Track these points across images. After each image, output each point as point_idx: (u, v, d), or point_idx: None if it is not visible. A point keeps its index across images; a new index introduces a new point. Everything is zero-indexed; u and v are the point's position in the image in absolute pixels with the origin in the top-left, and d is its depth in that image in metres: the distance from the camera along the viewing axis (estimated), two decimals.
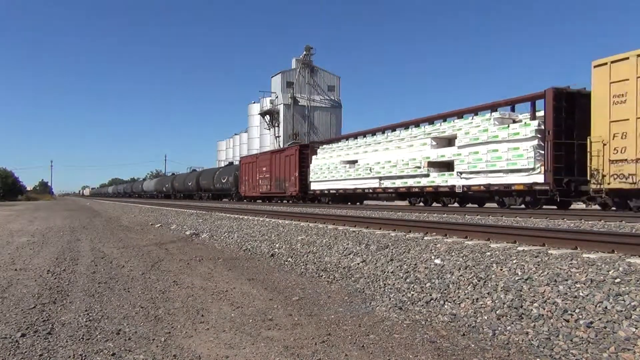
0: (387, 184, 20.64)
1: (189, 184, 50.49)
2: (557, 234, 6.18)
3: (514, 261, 4.97)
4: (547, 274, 4.41)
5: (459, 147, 16.98)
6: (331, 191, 24.80)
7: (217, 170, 44.87)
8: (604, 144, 12.58)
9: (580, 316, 3.68)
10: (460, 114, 18.20)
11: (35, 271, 6.86)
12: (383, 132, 22.44)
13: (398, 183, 20.02)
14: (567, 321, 3.70)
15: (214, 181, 43.17)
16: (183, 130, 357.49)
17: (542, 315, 3.89)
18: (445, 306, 4.63)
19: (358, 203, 24.94)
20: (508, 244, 5.98)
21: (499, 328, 3.99)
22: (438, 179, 17.93)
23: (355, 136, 24.98)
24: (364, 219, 10.51)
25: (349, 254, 6.99)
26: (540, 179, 14.00)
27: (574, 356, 3.39)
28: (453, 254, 5.74)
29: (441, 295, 4.84)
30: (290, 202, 28.85)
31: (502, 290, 4.43)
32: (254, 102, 62.64)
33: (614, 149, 12.39)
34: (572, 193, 13.86)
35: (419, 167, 18.64)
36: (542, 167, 13.96)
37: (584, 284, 4.04)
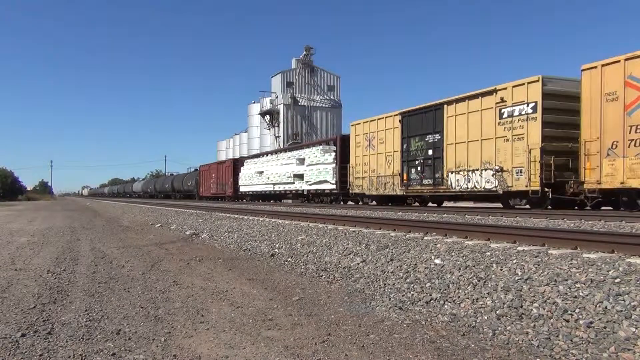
0: (276, 187, 31.73)
1: (166, 186, 61.53)
2: (557, 234, 6.18)
3: (514, 261, 4.97)
4: (547, 274, 4.41)
5: (307, 165, 27.76)
6: (250, 192, 36.22)
7: (185, 176, 56.46)
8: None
9: (580, 316, 3.68)
10: (308, 145, 30.32)
11: (35, 271, 6.86)
12: (276, 153, 34.29)
13: (281, 187, 31.07)
14: (567, 321, 3.70)
15: (182, 184, 54.27)
16: (183, 130, 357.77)
17: (542, 315, 3.89)
18: (445, 306, 4.63)
19: (271, 200, 33.79)
20: (508, 244, 5.98)
21: (499, 328, 3.99)
22: (297, 185, 28.87)
23: (265, 154, 36.94)
24: (364, 219, 10.51)
25: (349, 254, 6.99)
26: (334, 186, 24.92)
27: (574, 356, 3.39)
28: (453, 254, 5.74)
29: (441, 295, 4.84)
30: (227, 200, 40.25)
31: (502, 290, 4.43)
32: (254, 102, 62.62)
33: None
34: (366, 200, 23.67)
35: (290, 177, 29.57)
36: (337, 180, 24.56)
37: (584, 284, 4.04)
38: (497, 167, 15.30)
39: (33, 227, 15.27)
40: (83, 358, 3.43)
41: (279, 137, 55.54)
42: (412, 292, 5.12)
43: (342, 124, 58.74)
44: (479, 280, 4.78)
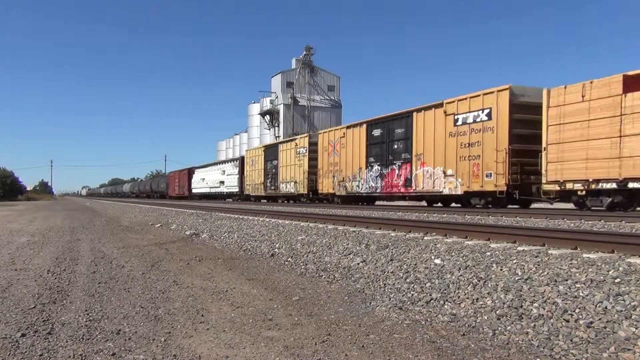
0: (211, 190, 45.08)
1: (147, 187, 75.89)
2: (557, 234, 6.18)
3: (514, 261, 4.97)
4: (547, 274, 4.41)
5: (226, 175, 41.21)
6: (198, 193, 49.32)
7: (160, 179, 73.19)
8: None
9: (580, 316, 3.68)
10: (227, 161, 44.56)
11: (36, 271, 6.86)
12: (211, 166, 47.01)
13: (214, 190, 44.27)
14: (567, 321, 3.70)
15: (158, 186, 68.14)
16: (183, 130, 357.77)
17: (542, 315, 3.89)
18: (445, 306, 4.63)
19: (213, 199, 44.13)
20: (508, 244, 5.98)
21: (499, 328, 3.99)
22: (221, 189, 41.93)
23: (205, 166, 48.97)
24: (364, 219, 10.51)
25: (349, 254, 6.99)
26: (238, 189, 37.76)
27: (574, 356, 3.39)
28: (453, 254, 5.74)
29: (441, 295, 4.84)
30: (181, 199, 50.55)
31: (502, 290, 4.43)
32: (254, 102, 62.65)
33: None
34: (252, 198, 34.73)
35: (217, 183, 42.72)
36: (239, 185, 37.21)
37: (584, 284, 4.04)
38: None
39: (33, 227, 15.28)
40: (83, 358, 3.43)
41: (278, 137, 55.51)
42: (412, 292, 5.12)
43: (343, 123, 58.76)
44: (479, 280, 4.78)
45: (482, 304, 4.39)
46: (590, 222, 9.32)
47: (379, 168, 20.56)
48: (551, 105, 13.15)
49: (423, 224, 8.65)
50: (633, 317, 3.45)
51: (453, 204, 18.57)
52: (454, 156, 16.50)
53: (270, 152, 31.62)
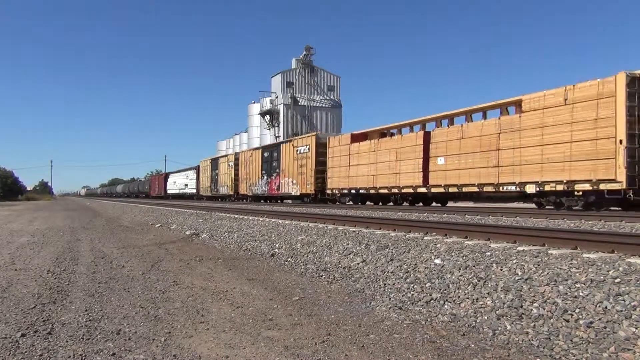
0: (179, 191, 55.44)
1: (135, 188, 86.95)
2: (557, 234, 6.18)
3: (514, 261, 4.97)
4: (547, 274, 4.41)
5: (189, 179, 52.79)
6: (171, 194, 59.11)
7: (145, 182, 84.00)
8: None
9: (580, 316, 3.68)
10: (190, 169, 54.56)
11: (36, 271, 6.86)
12: (180, 172, 58.38)
13: (181, 191, 54.70)
14: (567, 321, 3.70)
15: (144, 187, 79.17)
16: (183, 130, 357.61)
17: (542, 315, 3.89)
18: (445, 306, 4.63)
19: (182, 199, 52.64)
20: (508, 244, 5.98)
21: (499, 328, 3.99)
22: (186, 190, 53.20)
23: (177, 172, 60.98)
24: (364, 219, 10.51)
25: (349, 254, 6.99)
26: (195, 191, 50.42)
27: (574, 356, 3.39)
28: (453, 254, 5.74)
29: (441, 295, 4.84)
30: (153, 198, 62.37)
31: (502, 290, 4.43)
32: (254, 102, 62.63)
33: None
34: (204, 198, 46.41)
35: (183, 186, 54.26)
36: (197, 188, 49.55)
37: (584, 284, 4.04)
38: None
39: (33, 227, 15.28)
40: (83, 358, 3.43)
41: (278, 137, 55.52)
42: (412, 292, 5.12)
43: (342, 123, 58.84)
44: (479, 280, 4.78)
45: (482, 304, 4.39)
46: (590, 222, 9.32)
47: (267, 178, 32.48)
48: (329, 146, 25.40)
49: (423, 224, 8.65)
50: (633, 317, 3.44)
51: (301, 201, 29.28)
52: (296, 172, 28.09)
53: (214, 163, 43.83)
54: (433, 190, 18.69)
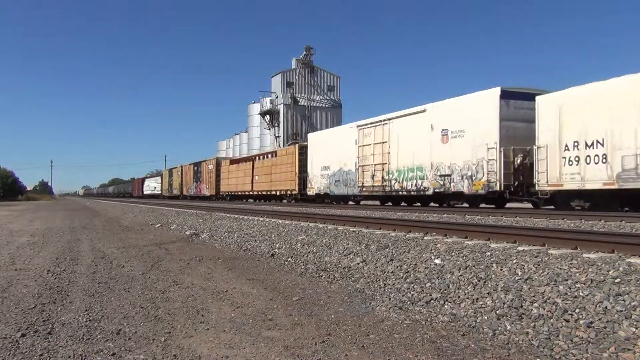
0: (152, 192, 69.44)
1: (122, 189, 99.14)
2: (557, 234, 6.18)
3: (514, 261, 4.97)
4: (547, 274, 4.41)
5: (157, 183, 68.85)
6: (147, 194, 71.27)
7: (129, 184, 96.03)
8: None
9: (580, 316, 3.68)
10: (158, 174, 74.51)
11: (36, 271, 6.86)
12: (153, 177, 74.06)
13: (154, 192, 68.27)
14: (567, 321, 3.70)
15: (128, 188, 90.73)
16: (183, 130, 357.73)
17: (542, 315, 3.89)
18: (445, 306, 4.63)
19: (154, 198, 63.41)
20: (508, 244, 5.98)
21: (499, 328, 3.99)
22: (155, 192, 68.45)
23: (151, 176, 75.20)
24: (364, 219, 10.51)
25: (349, 254, 6.99)
26: (161, 192, 65.29)
27: (574, 356, 3.39)
28: (453, 254, 5.74)
29: (441, 295, 4.84)
30: (131, 197, 76.66)
31: (502, 290, 4.43)
32: (254, 102, 62.62)
33: None
34: (166, 197, 61.09)
35: (156, 188, 67.68)
36: (161, 190, 64.85)
37: (584, 284, 4.04)
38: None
39: (33, 227, 15.28)
40: (83, 358, 3.43)
41: (279, 137, 55.54)
42: (412, 292, 5.12)
43: (342, 123, 58.71)
44: (479, 280, 4.78)
45: (482, 304, 4.39)
46: (590, 222, 9.32)
47: (196, 184, 48.23)
48: (222, 166, 42.64)
49: (423, 224, 8.65)
50: (633, 317, 3.44)
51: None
52: (208, 181, 44.27)
53: (170, 172, 60.47)
54: (255, 193, 35.58)
